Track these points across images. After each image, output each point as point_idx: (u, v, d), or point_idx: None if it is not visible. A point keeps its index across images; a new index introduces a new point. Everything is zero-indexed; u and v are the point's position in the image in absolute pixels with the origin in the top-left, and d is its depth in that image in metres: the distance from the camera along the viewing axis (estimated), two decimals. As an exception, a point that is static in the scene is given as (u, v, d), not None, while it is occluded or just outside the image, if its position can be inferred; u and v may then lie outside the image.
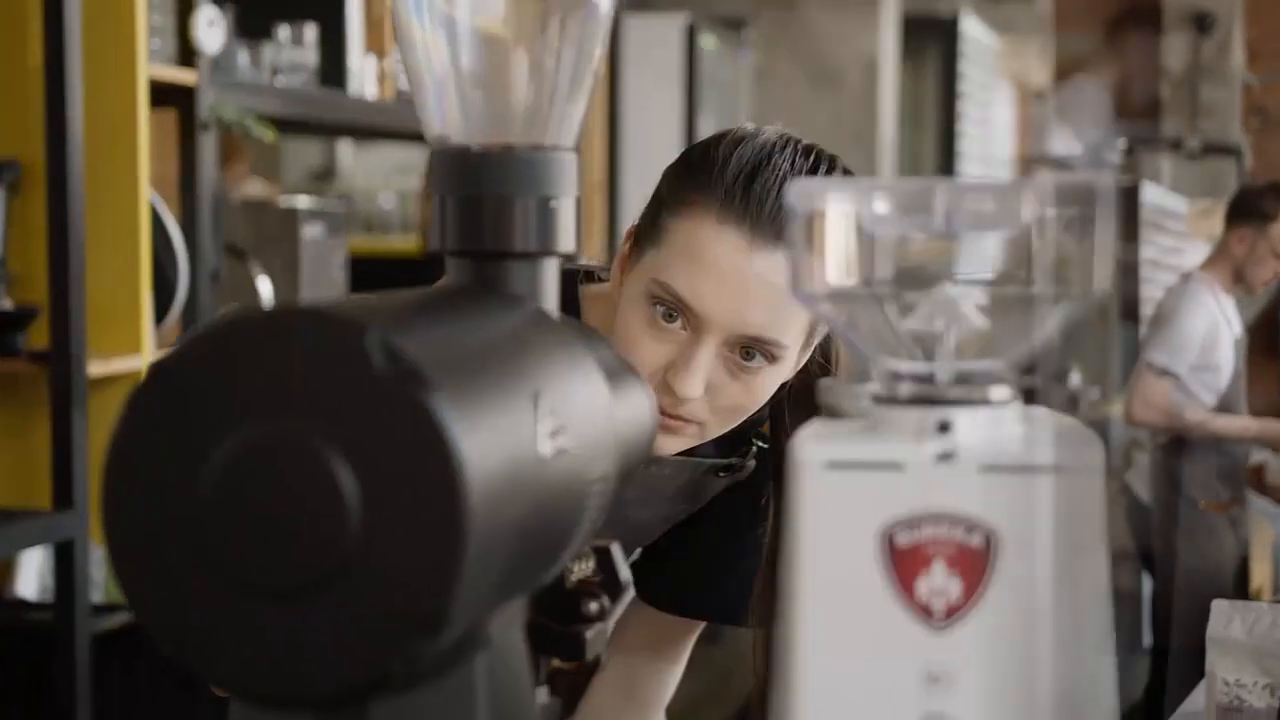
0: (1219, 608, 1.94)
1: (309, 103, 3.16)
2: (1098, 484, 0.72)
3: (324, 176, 5.52)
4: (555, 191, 0.85)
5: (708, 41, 5.08)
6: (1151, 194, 7.25)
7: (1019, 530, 0.71)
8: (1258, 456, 4.77)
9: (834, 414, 0.81)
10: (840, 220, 0.75)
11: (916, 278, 0.77)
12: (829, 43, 5.61)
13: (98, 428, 2.52)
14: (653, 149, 5.13)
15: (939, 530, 0.72)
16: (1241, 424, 4.42)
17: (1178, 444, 4.39)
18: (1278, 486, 4.94)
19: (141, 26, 2.60)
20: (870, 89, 5.69)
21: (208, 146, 2.79)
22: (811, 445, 0.73)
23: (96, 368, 2.54)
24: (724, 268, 1.22)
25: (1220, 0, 9.42)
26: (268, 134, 2.88)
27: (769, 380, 1.27)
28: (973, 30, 7.58)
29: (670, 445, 1.29)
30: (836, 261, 0.76)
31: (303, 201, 3.27)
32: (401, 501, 0.65)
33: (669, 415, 1.25)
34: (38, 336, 2.52)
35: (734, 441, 1.39)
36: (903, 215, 0.75)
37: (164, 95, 2.75)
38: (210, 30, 2.75)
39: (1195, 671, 4.61)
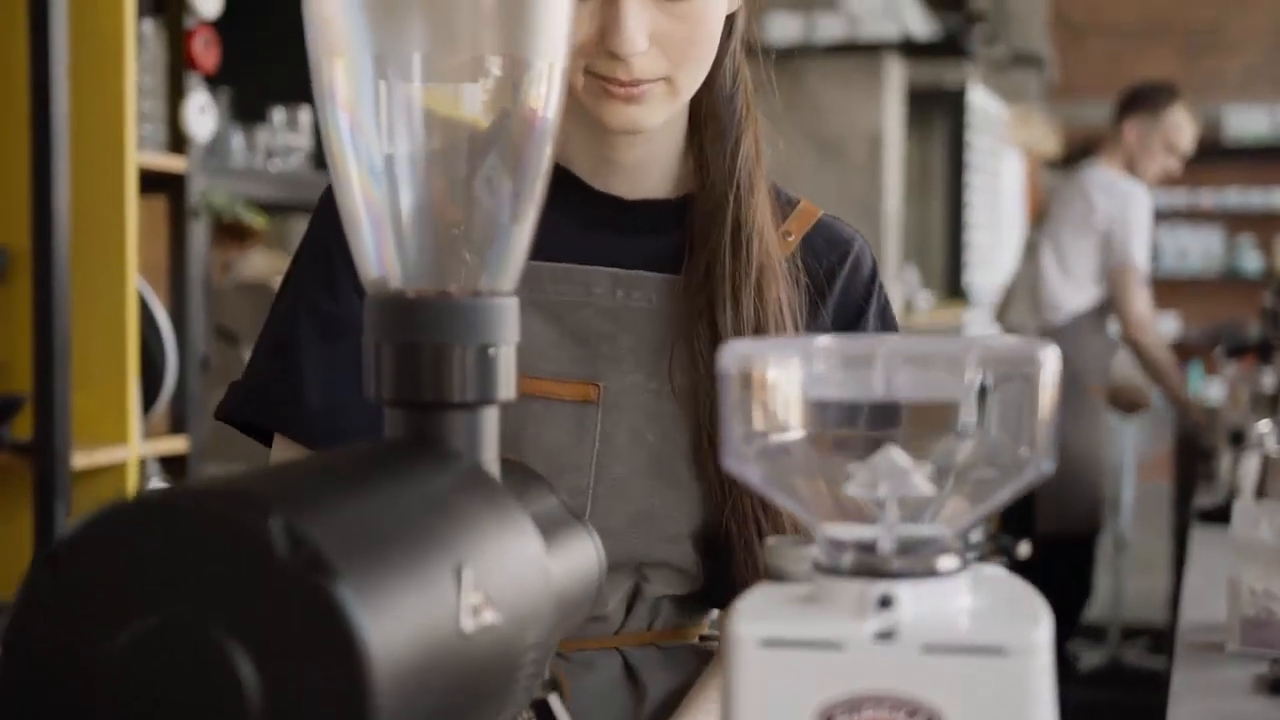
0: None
1: (303, 186, 3.15)
2: (1046, 661, 0.69)
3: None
4: (494, 339, 0.83)
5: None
6: (977, 97, 7.27)
7: (965, 713, 0.68)
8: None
9: (779, 576, 0.78)
10: (777, 382, 0.72)
11: (859, 440, 0.74)
12: (834, 115, 5.61)
13: (81, 520, 2.50)
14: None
15: (879, 713, 0.68)
16: (1183, 387, 4.61)
17: (1072, 329, 4.47)
18: (1128, 394, 4.98)
19: (131, 114, 2.59)
20: (876, 161, 5.69)
21: (198, 233, 2.78)
22: (748, 621, 0.70)
23: (81, 459, 2.51)
24: None
25: None
26: (258, 220, 2.87)
27: (709, 3, 1.17)
28: (980, 100, 7.59)
29: (646, 115, 1.19)
30: (772, 423, 0.73)
31: (298, 283, 3.24)
32: (305, 694, 0.62)
33: (628, 84, 1.17)
34: (22, 427, 2.50)
35: None
36: (842, 378, 0.72)
37: (155, 182, 2.74)
38: (201, 117, 2.74)
39: (1056, 554, 4.59)
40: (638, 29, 1.14)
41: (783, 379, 0.72)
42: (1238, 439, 3.27)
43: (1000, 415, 0.71)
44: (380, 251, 0.84)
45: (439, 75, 0.81)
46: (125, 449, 2.62)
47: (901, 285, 6.28)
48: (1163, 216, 10.36)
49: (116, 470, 2.61)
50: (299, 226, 3.41)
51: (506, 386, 0.83)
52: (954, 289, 7.43)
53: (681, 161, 1.29)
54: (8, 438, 2.48)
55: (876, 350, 0.71)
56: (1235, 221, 10.32)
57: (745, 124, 1.27)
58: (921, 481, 0.72)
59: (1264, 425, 3.10)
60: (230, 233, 3.64)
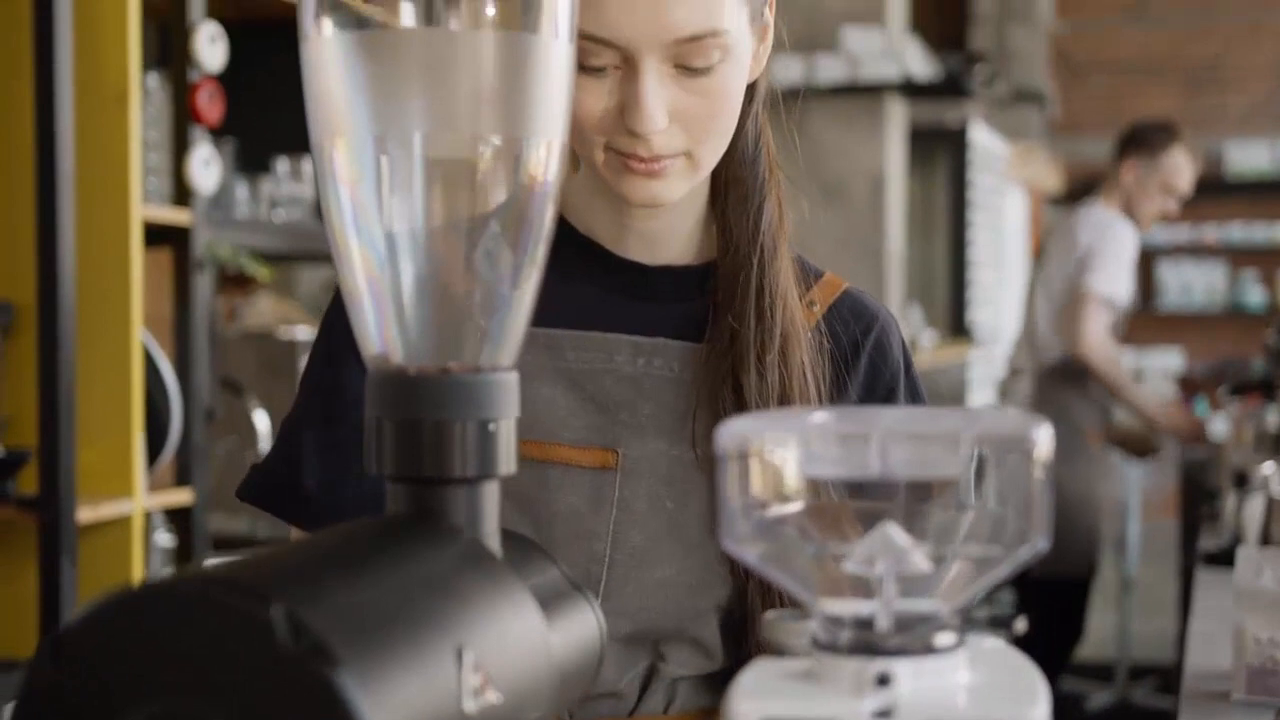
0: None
1: (307, 236, 3.17)
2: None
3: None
4: (495, 414, 0.83)
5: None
6: (979, 135, 7.29)
7: (963, 791, 0.68)
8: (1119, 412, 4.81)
9: (778, 650, 0.78)
10: (773, 460, 0.73)
11: (856, 516, 0.74)
12: (836, 156, 5.63)
13: (87, 576, 2.50)
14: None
15: (879, 791, 0.68)
16: (1145, 401, 4.57)
17: (1062, 372, 4.42)
18: (1135, 439, 4.97)
19: (136, 167, 2.61)
20: (878, 201, 5.70)
21: (202, 285, 2.79)
22: (747, 699, 0.70)
23: (86, 513, 2.51)
24: None
25: None
26: (262, 272, 2.88)
27: (729, 77, 1.16)
28: (982, 138, 7.61)
29: (667, 190, 1.18)
30: (769, 501, 0.74)
31: (303, 332, 3.26)
32: (308, 781, 0.62)
33: (648, 160, 1.16)
34: (27, 482, 2.50)
35: None
36: (838, 455, 0.73)
37: (159, 234, 2.75)
38: (206, 170, 2.76)
39: (1049, 595, 4.59)
40: (657, 106, 1.13)
41: (779, 457, 0.72)
42: (1241, 481, 3.27)
43: (996, 492, 0.72)
44: (381, 328, 0.85)
45: (439, 154, 0.82)
46: (130, 502, 2.62)
47: (905, 324, 6.29)
48: (1165, 252, 10.38)
49: (122, 524, 2.62)
50: (304, 274, 3.42)
51: (507, 461, 0.84)
52: (958, 327, 7.44)
53: (704, 228, 1.28)
54: (13, 493, 2.49)
55: (872, 428, 0.72)
56: (1238, 256, 10.33)
57: (768, 188, 1.26)
58: (919, 558, 0.72)
59: (1268, 467, 3.09)
60: (236, 279, 3.65)
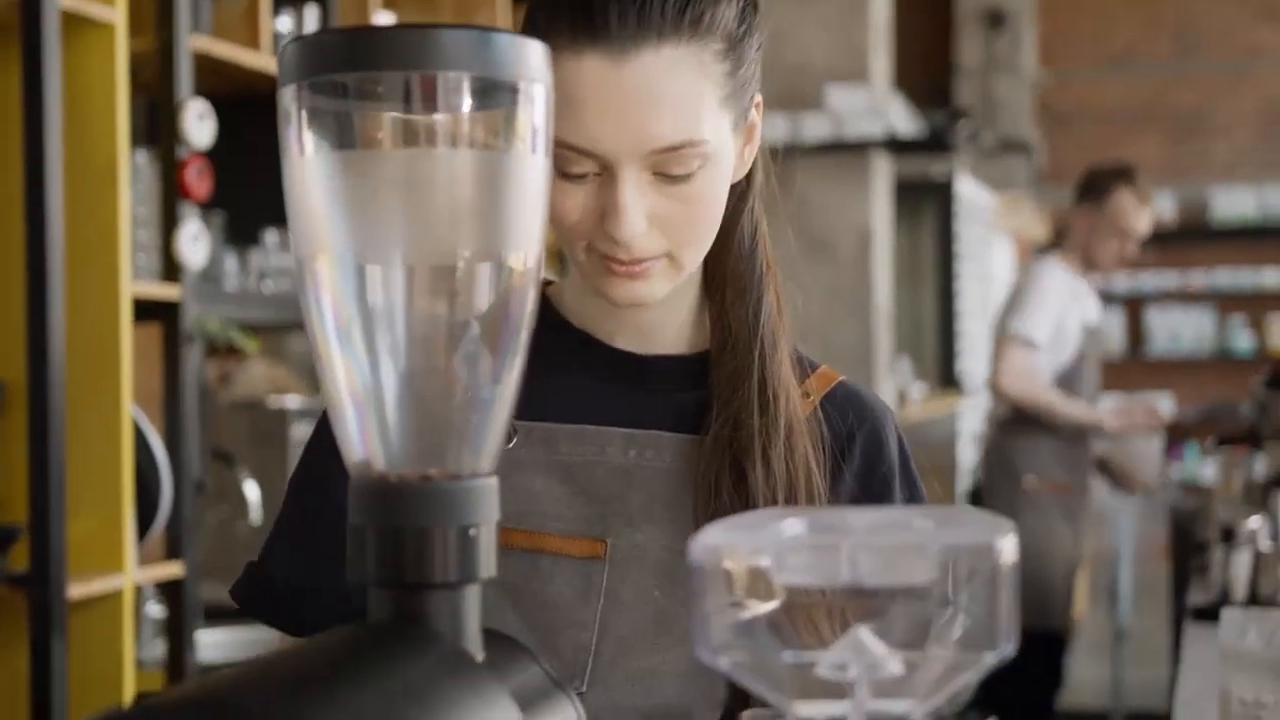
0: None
1: (296, 306, 3.18)
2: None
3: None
4: (475, 520, 0.85)
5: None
6: (964, 187, 7.34)
7: None
8: (1100, 446, 4.76)
9: (756, 752, 0.80)
10: (747, 570, 0.75)
11: (829, 622, 0.76)
12: (823, 212, 5.66)
13: (79, 651, 2.51)
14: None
15: None
16: (1082, 410, 4.47)
17: (1015, 422, 4.42)
18: (1120, 472, 4.92)
19: (125, 244, 2.63)
20: (865, 256, 5.73)
21: (192, 359, 2.81)
22: (722, 806, 0.72)
23: (77, 589, 2.52)
24: (596, 94, 1.11)
25: None
26: (250, 345, 2.90)
27: (710, 182, 1.16)
28: (968, 190, 7.66)
29: (649, 290, 1.18)
30: (742, 610, 0.75)
31: (293, 401, 3.28)
32: None
33: (629, 263, 1.16)
34: (18, 558, 2.51)
35: None
36: (810, 563, 0.75)
37: (149, 309, 2.77)
38: (194, 245, 2.78)
39: (1029, 646, 4.50)
40: (636, 214, 1.14)
41: (752, 567, 0.74)
42: (1228, 535, 3.28)
43: (964, 598, 0.73)
44: (363, 435, 0.87)
45: (419, 269, 0.85)
46: (121, 577, 2.63)
47: (894, 377, 6.31)
48: (1154, 298, 10.43)
49: (113, 599, 2.62)
50: (293, 342, 3.45)
51: (487, 565, 0.86)
52: (947, 378, 7.46)
53: (697, 318, 1.29)
54: (4, 569, 2.49)
55: (843, 538, 0.74)
56: (1226, 302, 10.38)
57: (766, 282, 1.27)
58: (891, 661, 0.74)
59: (1254, 521, 3.10)
60: (228, 345, 3.67)
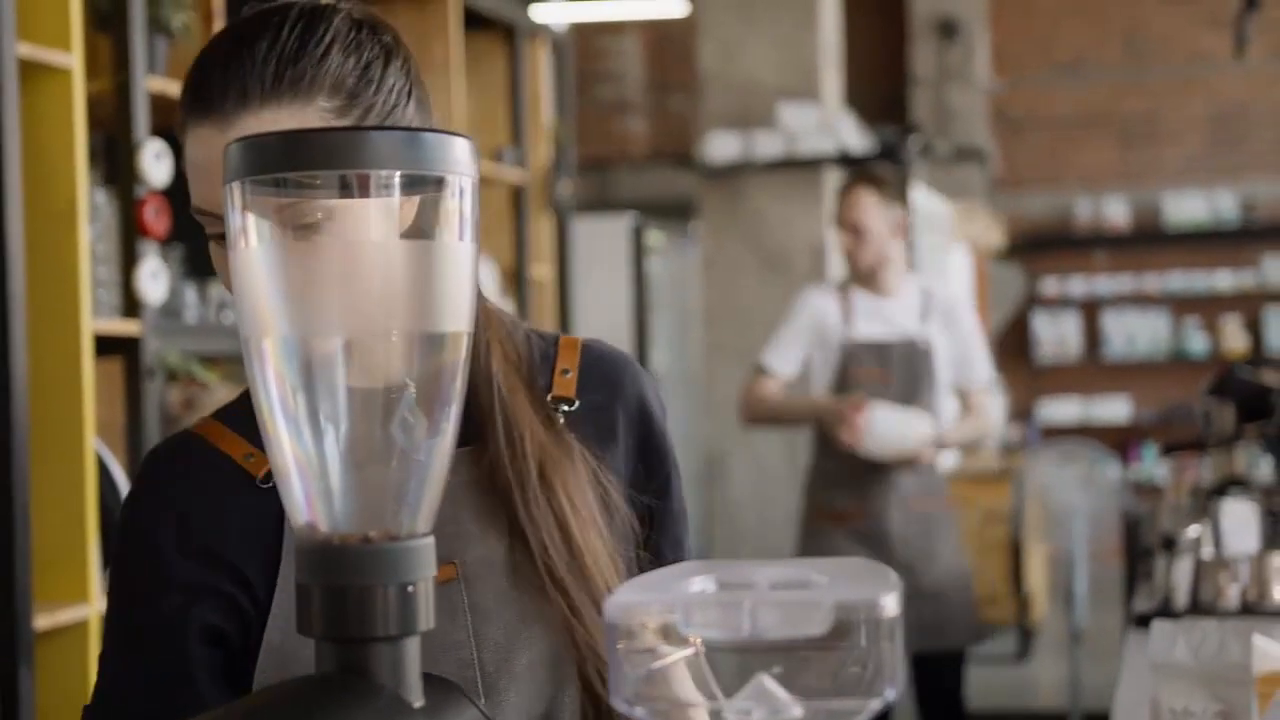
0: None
1: (255, 336, 3.25)
2: None
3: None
4: (414, 576, 0.92)
5: (655, 237, 5.20)
6: (920, 197, 7.46)
7: None
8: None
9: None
10: (656, 627, 0.82)
11: (733, 670, 0.84)
12: (776, 229, 5.75)
13: (45, 682, 2.56)
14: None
15: None
16: (810, 403, 4.28)
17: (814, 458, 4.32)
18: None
19: (85, 281, 2.69)
20: (819, 272, 5.82)
21: (153, 393, 2.87)
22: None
23: (43, 620, 2.58)
24: (210, 160, 1.21)
25: (965, 7, 9.79)
26: (210, 377, 2.97)
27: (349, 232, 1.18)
28: (923, 201, 7.75)
29: None
30: (652, 662, 0.83)
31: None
32: None
33: None
34: (-17, 591, 2.57)
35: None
36: (715, 620, 0.82)
37: (110, 345, 2.83)
38: (154, 281, 2.84)
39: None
40: None
41: (661, 624, 0.82)
42: (1169, 544, 3.36)
43: (855, 649, 0.81)
44: (308, 501, 0.94)
45: (357, 349, 0.92)
46: (86, 607, 2.69)
47: (851, 388, 6.38)
48: (1109, 302, 10.56)
49: (78, 629, 2.68)
50: (253, 369, 3.50)
51: (426, 617, 0.93)
52: (905, 386, 7.54)
53: None
54: (-29, 602, 2.55)
55: (744, 596, 0.81)
56: (1180, 305, 10.53)
57: (487, 338, 1.31)
58: (792, 707, 0.82)
59: (1194, 530, 3.17)
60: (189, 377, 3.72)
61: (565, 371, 1.36)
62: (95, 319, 2.73)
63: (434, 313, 0.93)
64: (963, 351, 4.24)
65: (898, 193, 4.23)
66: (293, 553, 1.27)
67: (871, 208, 4.15)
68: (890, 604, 0.80)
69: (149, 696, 1.27)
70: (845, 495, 4.21)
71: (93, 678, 2.60)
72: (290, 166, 0.90)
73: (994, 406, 4.37)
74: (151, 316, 2.88)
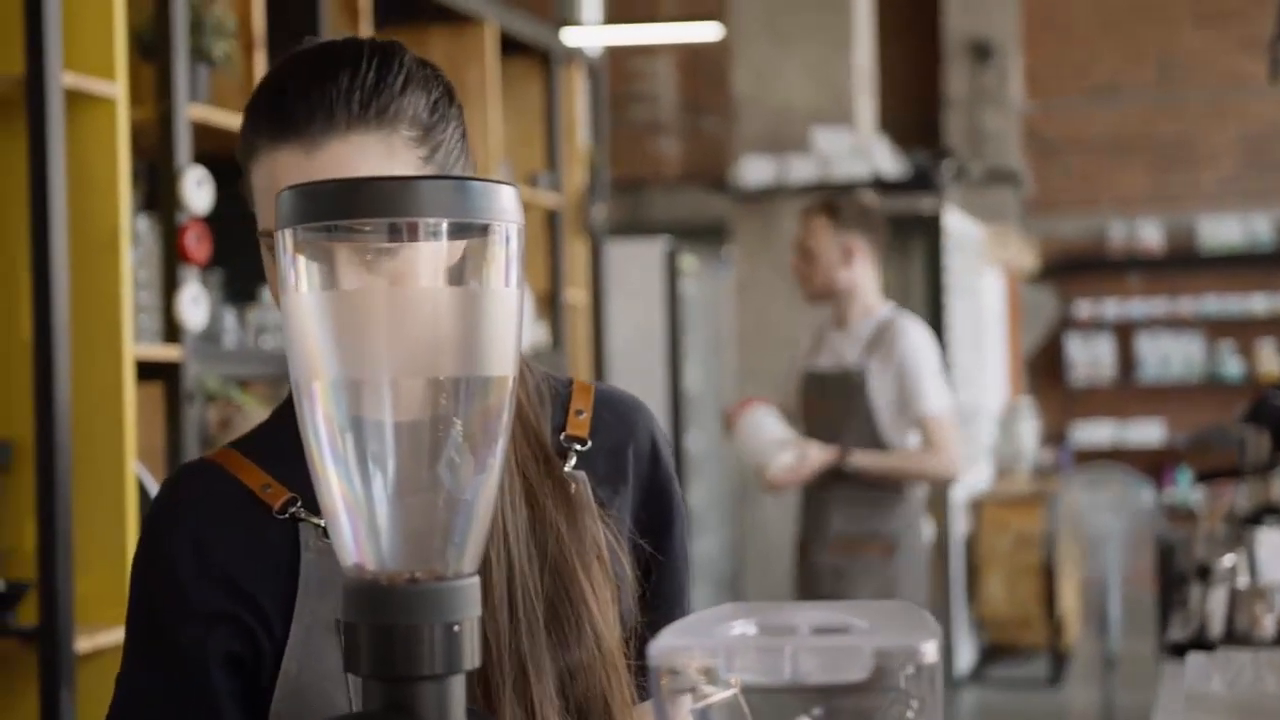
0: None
1: (293, 360, 3.28)
2: None
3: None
4: (458, 616, 0.94)
5: (688, 262, 5.21)
6: (953, 220, 7.44)
7: None
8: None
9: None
10: (700, 670, 0.84)
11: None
12: (810, 251, 5.74)
13: (86, 703, 2.59)
14: (638, 369, 5.25)
15: None
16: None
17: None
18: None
19: (128, 307, 2.72)
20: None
21: (192, 417, 2.90)
22: None
23: (85, 643, 2.61)
24: (290, 184, 1.20)
25: (999, 29, 9.77)
26: (249, 402, 2.99)
27: (413, 260, 1.15)
28: (956, 224, 7.75)
29: None
30: (697, 702, 0.84)
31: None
32: None
33: None
34: (26, 614, 2.60)
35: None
36: (757, 666, 0.83)
37: (151, 370, 2.86)
38: (195, 307, 2.87)
39: None
40: None
41: (704, 667, 0.83)
42: (1204, 573, 3.35)
43: (897, 693, 0.82)
44: (356, 542, 0.95)
45: (403, 391, 0.94)
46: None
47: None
48: (1143, 324, 10.53)
49: (118, 652, 2.70)
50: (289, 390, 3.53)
51: (471, 657, 0.95)
52: (938, 409, 7.53)
53: None
54: (13, 624, 2.58)
55: (785, 643, 0.83)
56: (1215, 328, 10.48)
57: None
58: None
59: (1229, 559, 3.16)
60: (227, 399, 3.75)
61: (579, 412, 1.37)
62: (137, 344, 2.77)
63: (479, 357, 0.95)
64: (905, 383, 4.06)
65: (856, 222, 4.13)
66: (311, 582, 1.29)
67: (820, 231, 4.11)
68: (930, 650, 0.81)
69: None
70: (801, 526, 4.21)
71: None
72: (343, 214, 0.92)
73: (954, 441, 4.09)
74: (192, 342, 2.91)
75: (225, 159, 3.19)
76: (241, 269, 3.23)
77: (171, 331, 2.88)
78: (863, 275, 4.13)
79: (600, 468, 1.36)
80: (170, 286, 2.88)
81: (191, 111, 2.96)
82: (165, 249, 2.90)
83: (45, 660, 2.53)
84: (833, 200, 4.24)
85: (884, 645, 0.81)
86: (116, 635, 2.70)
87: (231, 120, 3.10)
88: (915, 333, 4.12)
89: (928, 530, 4.33)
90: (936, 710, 0.81)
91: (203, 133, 3.00)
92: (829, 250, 4.09)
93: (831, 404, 4.13)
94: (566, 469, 1.33)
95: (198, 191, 2.90)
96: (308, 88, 1.23)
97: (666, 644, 0.83)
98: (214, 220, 2.99)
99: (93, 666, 2.68)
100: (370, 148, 1.23)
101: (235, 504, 1.30)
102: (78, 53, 2.67)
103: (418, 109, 1.26)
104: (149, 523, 1.33)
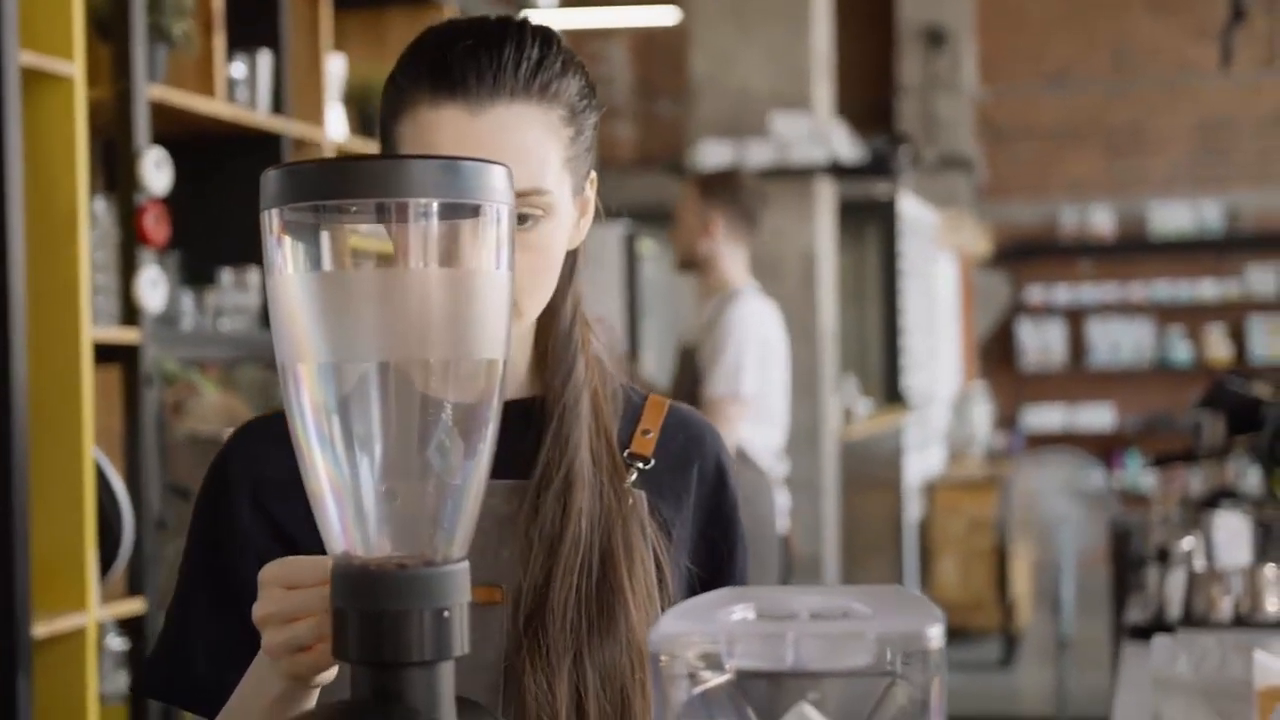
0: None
1: (252, 343, 3.25)
2: None
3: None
4: (448, 602, 0.93)
5: (646, 246, 5.19)
6: (907, 205, 7.49)
7: None
8: None
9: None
10: (701, 656, 0.83)
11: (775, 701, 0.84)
12: (769, 238, 5.74)
13: (43, 689, 2.56)
14: (596, 353, 5.20)
15: None
16: None
17: None
18: None
19: (85, 289, 2.69)
20: (810, 279, 5.83)
21: (150, 400, 2.86)
22: None
23: (41, 628, 2.57)
24: (453, 141, 1.22)
25: (953, 16, 9.83)
26: (208, 386, 2.96)
27: (551, 233, 1.25)
28: (910, 209, 7.77)
29: None
30: (697, 687, 0.83)
31: (248, 435, 3.32)
32: None
33: None
34: (-18, 600, 2.56)
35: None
36: (758, 651, 0.82)
37: (109, 353, 2.82)
38: (153, 289, 2.84)
39: None
40: None
41: (705, 653, 0.82)
42: (1163, 555, 3.36)
43: (899, 678, 0.82)
44: (344, 528, 0.94)
45: (393, 376, 0.92)
46: (84, 615, 2.68)
47: (840, 396, 6.40)
48: (1094, 310, 10.60)
49: (76, 636, 2.68)
50: (249, 374, 3.50)
51: (461, 642, 0.93)
52: (892, 393, 7.57)
53: (533, 367, 1.35)
54: (-31, 611, 2.54)
55: (788, 627, 0.82)
56: (1164, 313, 10.56)
57: (579, 349, 1.34)
58: (829, 734, 0.82)
59: (1188, 542, 3.17)
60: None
61: (646, 432, 1.37)
62: (95, 327, 2.73)
63: (470, 338, 0.94)
64: (715, 362, 4.05)
65: (722, 197, 4.15)
66: None
67: (687, 199, 4.19)
68: (935, 635, 0.80)
69: (212, 658, 1.27)
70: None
71: (91, 685, 2.60)
72: (329, 194, 0.91)
73: (727, 427, 3.94)
74: (150, 324, 2.88)
75: (184, 139, 3.17)
76: (200, 250, 3.20)
77: (130, 314, 2.85)
78: (724, 250, 4.14)
79: (664, 488, 1.36)
80: (128, 268, 2.85)
81: (150, 91, 2.92)
82: (123, 231, 2.86)
83: (2, 647, 2.50)
84: (708, 176, 4.33)
85: (887, 630, 0.80)
86: (74, 621, 2.67)
87: (190, 100, 3.06)
88: (740, 312, 4.10)
89: (782, 509, 4.22)
90: (939, 695, 0.81)
91: (161, 113, 2.97)
92: (692, 219, 4.14)
93: (681, 379, 4.20)
94: (627, 484, 1.33)
95: (156, 173, 2.87)
96: (475, 51, 1.24)
97: (666, 630, 0.82)
98: (172, 202, 2.96)
99: (50, 652, 2.65)
100: (532, 117, 1.24)
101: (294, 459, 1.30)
102: (35, 31, 2.63)
103: (571, 92, 1.27)
104: (219, 455, 1.34)
